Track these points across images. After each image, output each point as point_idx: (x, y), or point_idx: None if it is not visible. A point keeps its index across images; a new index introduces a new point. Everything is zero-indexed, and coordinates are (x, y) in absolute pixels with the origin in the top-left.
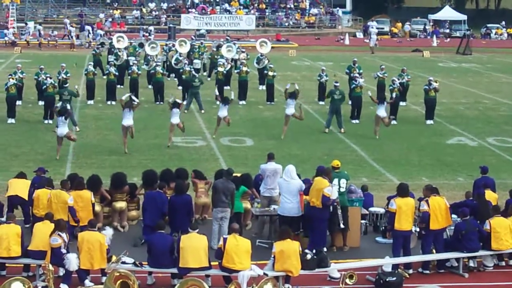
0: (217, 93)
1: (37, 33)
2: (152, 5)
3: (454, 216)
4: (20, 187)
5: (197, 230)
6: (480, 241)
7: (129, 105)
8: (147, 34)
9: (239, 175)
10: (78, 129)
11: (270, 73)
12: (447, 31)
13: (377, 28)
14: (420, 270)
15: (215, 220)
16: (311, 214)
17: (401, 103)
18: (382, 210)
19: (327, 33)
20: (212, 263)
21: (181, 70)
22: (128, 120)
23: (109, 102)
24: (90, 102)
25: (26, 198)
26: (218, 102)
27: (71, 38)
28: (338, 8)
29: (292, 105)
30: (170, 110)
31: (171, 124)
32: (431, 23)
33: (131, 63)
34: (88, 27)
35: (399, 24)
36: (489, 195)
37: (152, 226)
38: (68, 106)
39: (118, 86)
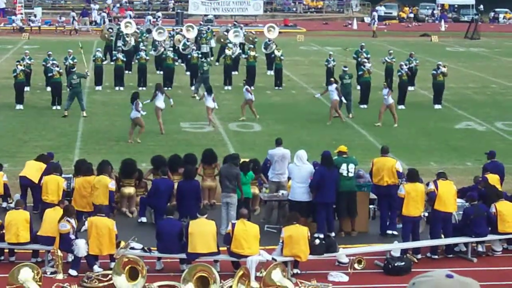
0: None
1: (71, 19)
2: None
3: (462, 200)
4: (31, 169)
5: (205, 216)
6: (489, 226)
7: (161, 90)
8: (154, 20)
9: (247, 160)
10: (85, 114)
11: (277, 53)
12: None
13: (385, 13)
14: (428, 255)
15: (222, 205)
16: (386, 193)
17: (409, 88)
18: None
19: (335, 18)
20: (221, 249)
21: (189, 56)
22: (160, 102)
23: (117, 88)
24: (98, 87)
25: (36, 181)
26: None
27: (102, 25)
28: None
29: (334, 91)
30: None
31: (207, 108)
32: (439, 8)
33: (139, 49)
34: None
35: (407, 9)
36: (491, 178)
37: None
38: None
39: (126, 71)
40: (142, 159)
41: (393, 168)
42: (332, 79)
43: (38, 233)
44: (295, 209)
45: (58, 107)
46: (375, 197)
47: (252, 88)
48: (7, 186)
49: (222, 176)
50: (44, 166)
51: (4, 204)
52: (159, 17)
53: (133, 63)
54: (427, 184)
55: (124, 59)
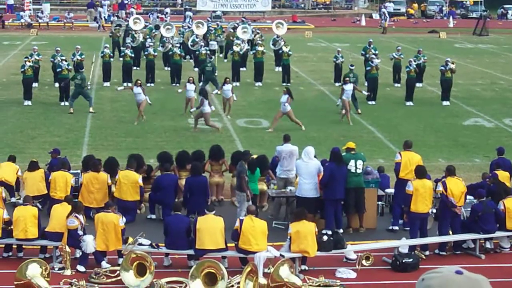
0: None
1: (97, 15)
2: None
3: (470, 197)
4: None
5: (213, 212)
6: (497, 223)
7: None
8: (162, 16)
9: (255, 157)
10: (92, 110)
11: (285, 49)
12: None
13: (394, 9)
14: (436, 251)
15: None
16: None
17: (418, 84)
18: None
19: (343, 14)
20: (229, 245)
21: (197, 52)
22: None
23: (125, 84)
24: (106, 84)
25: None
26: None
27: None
28: None
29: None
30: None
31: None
32: (447, 4)
33: (147, 45)
34: (100, 9)
35: (415, 5)
36: (501, 174)
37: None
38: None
39: (134, 68)
40: (150, 155)
41: (420, 163)
42: (347, 78)
43: (46, 229)
44: (303, 205)
45: (66, 103)
46: (383, 193)
47: (260, 84)
48: (18, 180)
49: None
50: (14, 165)
51: (13, 199)
52: (167, 13)
53: (141, 59)
54: (436, 181)
55: (132, 55)
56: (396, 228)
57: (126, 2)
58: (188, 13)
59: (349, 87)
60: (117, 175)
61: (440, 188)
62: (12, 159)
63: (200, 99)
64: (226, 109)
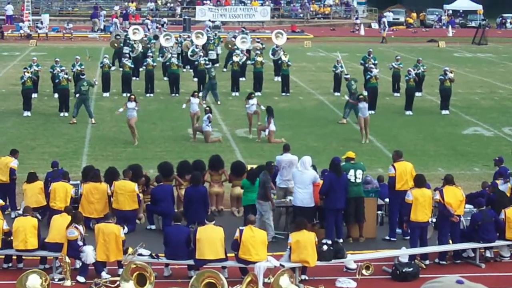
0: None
1: (113, 26)
2: None
3: (470, 206)
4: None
5: (213, 222)
6: (497, 232)
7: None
8: (160, 26)
9: (255, 167)
10: (94, 121)
11: (284, 58)
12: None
13: (393, 19)
14: (436, 260)
15: None
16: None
17: (417, 94)
18: None
19: (342, 24)
20: (229, 255)
21: (196, 62)
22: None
23: (124, 94)
24: (106, 94)
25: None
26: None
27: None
28: None
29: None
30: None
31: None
32: (446, 13)
33: (146, 55)
34: (115, 20)
35: (414, 14)
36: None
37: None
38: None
39: (134, 78)
40: (150, 165)
41: (412, 171)
42: (361, 96)
43: (46, 240)
44: (299, 215)
45: (66, 114)
46: (383, 203)
47: (259, 94)
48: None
49: None
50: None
51: (13, 215)
52: (164, 23)
53: (140, 69)
54: (435, 190)
55: (132, 66)
56: (394, 239)
57: (129, 12)
58: (208, 23)
59: (364, 105)
60: (113, 186)
61: (437, 197)
62: (12, 152)
63: (206, 116)
64: (251, 128)
